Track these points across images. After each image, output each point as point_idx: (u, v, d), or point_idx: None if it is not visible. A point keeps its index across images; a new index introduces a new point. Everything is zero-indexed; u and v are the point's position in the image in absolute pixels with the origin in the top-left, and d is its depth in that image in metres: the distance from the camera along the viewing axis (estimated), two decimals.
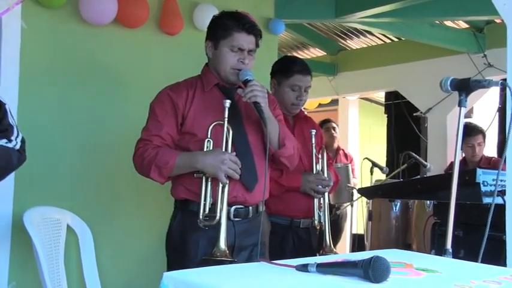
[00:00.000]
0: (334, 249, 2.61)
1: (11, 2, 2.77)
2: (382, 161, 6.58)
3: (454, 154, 1.89)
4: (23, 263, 2.96)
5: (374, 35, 6.43)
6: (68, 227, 3.09)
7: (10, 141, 1.96)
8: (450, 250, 1.83)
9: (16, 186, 2.97)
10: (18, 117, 2.99)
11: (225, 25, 2.17)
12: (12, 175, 2.95)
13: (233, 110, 2.08)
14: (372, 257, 1.24)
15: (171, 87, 2.21)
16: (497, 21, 5.27)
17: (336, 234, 5.53)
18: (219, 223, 1.99)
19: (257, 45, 2.21)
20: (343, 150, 6.10)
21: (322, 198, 2.66)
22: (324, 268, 1.31)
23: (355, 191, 4.97)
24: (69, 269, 3.07)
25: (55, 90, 3.19)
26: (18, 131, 2.02)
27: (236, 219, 2.13)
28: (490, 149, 5.01)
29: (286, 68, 2.76)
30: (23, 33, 3.02)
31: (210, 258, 1.92)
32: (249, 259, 2.00)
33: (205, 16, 3.66)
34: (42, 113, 3.14)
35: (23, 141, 2.03)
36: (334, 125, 5.86)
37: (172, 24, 3.60)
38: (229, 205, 2.07)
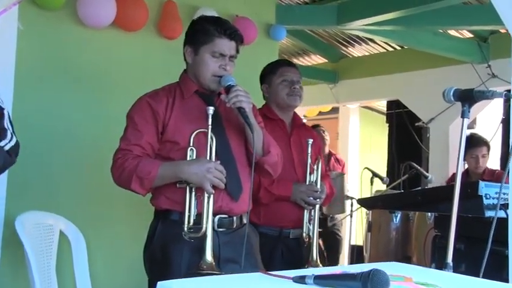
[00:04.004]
0: (320, 265, 2.56)
1: (8, 2, 2.77)
2: (382, 171, 6.58)
3: (457, 165, 1.89)
4: (14, 270, 2.94)
5: (376, 43, 6.45)
6: (61, 233, 3.08)
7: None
8: (451, 264, 1.82)
9: (8, 191, 2.95)
10: (13, 119, 3.00)
11: (206, 30, 2.14)
12: (4, 179, 2.94)
13: (214, 117, 2.04)
14: (370, 270, 1.23)
15: (150, 95, 2.18)
16: (502, 31, 5.28)
17: (336, 246, 5.51)
18: (204, 234, 1.96)
19: (237, 51, 2.19)
20: (335, 155, 6.09)
21: (313, 211, 2.62)
22: (322, 280, 1.30)
23: (354, 201, 4.97)
24: (61, 276, 3.06)
25: (51, 93, 3.20)
26: (12, 136, 2.03)
27: (220, 229, 2.09)
28: (493, 161, 5.00)
29: (271, 67, 2.83)
30: (19, 35, 3.02)
31: (196, 272, 1.88)
32: (236, 271, 1.97)
33: None
34: (37, 116, 3.14)
35: (16, 145, 2.04)
36: (323, 129, 5.84)
37: (171, 28, 3.60)
38: (213, 215, 2.03)
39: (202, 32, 2.15)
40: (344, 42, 6.68)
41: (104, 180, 3.28)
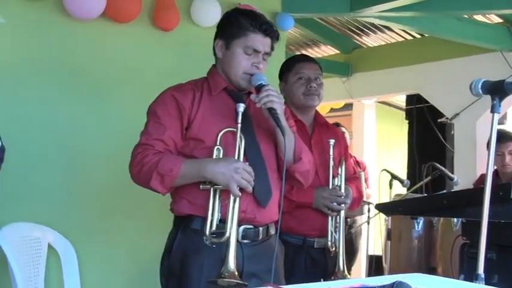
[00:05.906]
0: (348, 275, 2.59)
1: None
2: (402, 173, 6.57)
3: (487, 166, 1.89)
4: None
5: (393, 31, 6.44)
6: (49, 246, 3.09)
7: None
8: (482, 275, 1.82)
9: None
10: None
11: (240, 23, 2.17)
12: None
13: (243, 116, 2.08)
14: (393, 283, 1.23)
15: (175, 88, 2.22)
16: None
17: (351, 255, 5.51)
18: (227, 241, 1.97)
19: (272, 49, 2.23)
20: (354, 157, 6.08)
21: (337, 217, 2.64)
22: None
23: (372, 207, 4.96)
24: None
25: (35, 93, 3.20)
26: None
27: (244, 241, 2.11)
28: None
29: (288, 63, 2.86)
30: (0, 29, 3.03)
31: (216, 280, 1.90)
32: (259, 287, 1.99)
33: (204, 10, 3.68)
34: (20, 118, 3.15)
35: (1, 150, 2.05)
36: (344, 129, 5.86)
37: (167, 19, 3.61)
38: (238, 223, 2.03)
39: (235, 24, 2.18)
40: (358, 31, 6.68)
41: (97, 187, 3.31)
